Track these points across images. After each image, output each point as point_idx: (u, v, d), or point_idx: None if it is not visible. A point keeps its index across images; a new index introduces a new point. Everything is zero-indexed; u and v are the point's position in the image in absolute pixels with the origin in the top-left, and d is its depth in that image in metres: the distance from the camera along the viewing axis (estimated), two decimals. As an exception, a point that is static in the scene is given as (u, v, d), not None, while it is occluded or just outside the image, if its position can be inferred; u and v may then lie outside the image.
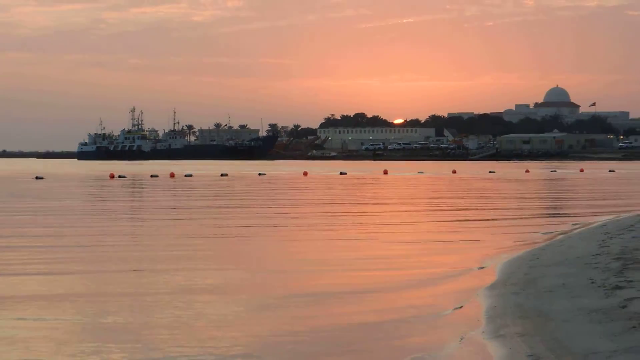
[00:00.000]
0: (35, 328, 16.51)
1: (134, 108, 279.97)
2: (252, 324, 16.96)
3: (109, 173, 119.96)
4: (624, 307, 14.60)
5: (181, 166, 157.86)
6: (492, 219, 43.93)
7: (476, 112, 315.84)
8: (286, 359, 14.32)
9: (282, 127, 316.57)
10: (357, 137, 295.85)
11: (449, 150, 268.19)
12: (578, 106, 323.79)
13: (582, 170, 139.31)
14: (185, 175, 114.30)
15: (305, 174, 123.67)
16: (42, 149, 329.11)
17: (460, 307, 17.83)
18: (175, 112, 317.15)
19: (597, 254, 21.99)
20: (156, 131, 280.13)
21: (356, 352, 14.53)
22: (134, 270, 24.85)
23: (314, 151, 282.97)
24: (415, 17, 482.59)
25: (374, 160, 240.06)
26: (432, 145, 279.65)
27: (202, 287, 21.72)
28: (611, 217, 39.65)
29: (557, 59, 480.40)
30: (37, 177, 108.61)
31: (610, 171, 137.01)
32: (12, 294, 21.02)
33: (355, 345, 14.93)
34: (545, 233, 33.43)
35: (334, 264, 26.41)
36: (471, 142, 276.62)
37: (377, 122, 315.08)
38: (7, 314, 17.94)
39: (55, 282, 22.69)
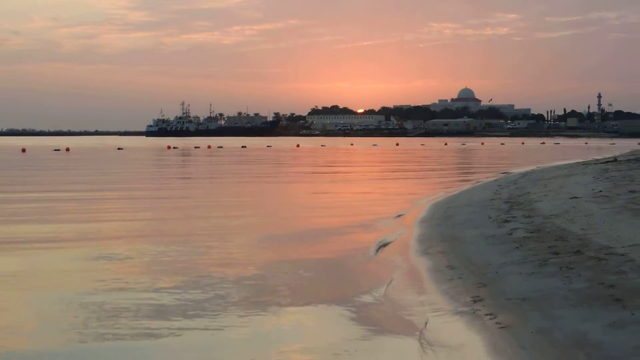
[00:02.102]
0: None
1: (184, 102, 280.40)
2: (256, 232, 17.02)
3: (166, 145, 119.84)
4: (510, 234, 14.66)
5: (215, 141, 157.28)
6: (424, 176, 43.95)
7: (412, 104, 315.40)
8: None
9: (282, 114, 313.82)
10: (332, 121, 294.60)
11: (394, 130, 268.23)
12: (480, 101, 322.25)
13: (482, 144, 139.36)
14: (218, 147, 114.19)
15: (297, 145, 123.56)
16: (121, 129, 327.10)
17: (401, 234, 17.86)
18: (211, 105, 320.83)
19: (492, 199, 22.04)
20: (198, 117, 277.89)
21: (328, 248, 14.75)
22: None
23: (304, 130, 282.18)
24: (372, 42, 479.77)
25: (344, 137, 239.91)
26: (382, 126, 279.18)
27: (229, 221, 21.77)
28: (502, 174, 39.75)
29: (466, 69, 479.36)
30: (119, 148, 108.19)
31: (501, 144, 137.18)
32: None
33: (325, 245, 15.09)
34: (458, 184, 33.49)
35: (320, 206, 26.46)
36: (409, 125, 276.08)
37: (346, 111, 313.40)
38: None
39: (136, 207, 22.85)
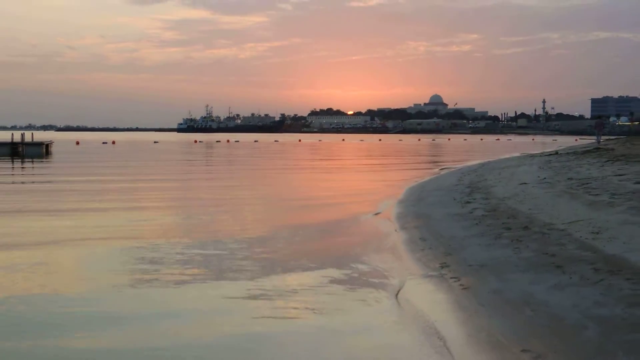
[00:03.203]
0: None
1: (208, 104, 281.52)
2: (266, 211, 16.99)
3: (193, 140, 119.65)
4: (471, 212, 14.64)
5: (233, 136, 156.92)
6: (402, 167, 43.86)
7: (392, 107, 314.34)
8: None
9: (287, 115, 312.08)
10: (328, 121, 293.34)
11: (377, 128, 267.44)
12: (447, 105, 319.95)
13: (449, 139, 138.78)
14: (235, 141, 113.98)
15: (299, 140, 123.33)
16: (157, 126, 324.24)
17: (380, 212, 17.84)
18: (229, 107, 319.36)
19: (456, 185, 22.02)
20: (219, 117, 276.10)
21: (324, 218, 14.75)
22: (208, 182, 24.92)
23: (304, 128, 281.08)
24: (360, 56, 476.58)
25: (337, 133, 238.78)
26: (368, 125, 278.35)
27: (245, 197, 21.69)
28: (465, 164, 39.66)
29: (436, 79, 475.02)
30: (155, 142, 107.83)
31: (464, 140, 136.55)
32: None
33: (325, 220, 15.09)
34: (429, 172, 33.44)
35: (328, 189, 26.40)
36: (389, 124, 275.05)
37: (339, 113, 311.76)
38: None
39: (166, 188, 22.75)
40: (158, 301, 9.02)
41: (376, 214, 17.62)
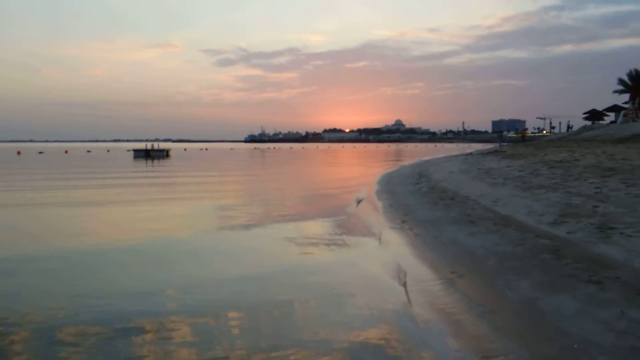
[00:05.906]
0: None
1: (262, 126, 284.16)
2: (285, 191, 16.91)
3: (253, 147, 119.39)
4: (420, 189, 14.53)
5: (277, 145, 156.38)
6: (379, 162, 43.48)
7: (372, 127, 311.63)
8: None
9: (309, 132, 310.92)
10: (334, 135, 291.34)
11: (363, 140, 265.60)
12: (405, 125, 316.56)
13: (406, 146, 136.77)
14: (278, 147, 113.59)
15: (317, 147, 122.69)
16: (231, 139, 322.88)
17: (363, 189, 17.71)
18: (275, 128, 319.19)
19: (411, 172, 21.85)
20: (269, 133, 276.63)
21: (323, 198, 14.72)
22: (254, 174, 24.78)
23: (320, 140, 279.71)
24: (353, 97, 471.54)
25: (339, 142, 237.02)
26: (357, 138, 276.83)
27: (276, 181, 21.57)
28: (416, 160, 39.24)
29: (398, 109, 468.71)
30: (231, 149, 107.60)
31: (415, 146, 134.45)
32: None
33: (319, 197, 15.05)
34: (395, 165, 33.15)
35: (326, 179, 26.24)
36: (371, 137, 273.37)
37: (341, 130, 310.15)
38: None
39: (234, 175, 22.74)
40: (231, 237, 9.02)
41: (359, 200, 17.56)
